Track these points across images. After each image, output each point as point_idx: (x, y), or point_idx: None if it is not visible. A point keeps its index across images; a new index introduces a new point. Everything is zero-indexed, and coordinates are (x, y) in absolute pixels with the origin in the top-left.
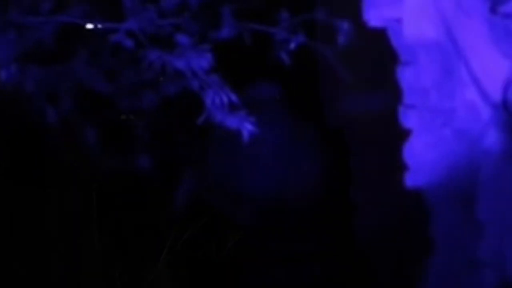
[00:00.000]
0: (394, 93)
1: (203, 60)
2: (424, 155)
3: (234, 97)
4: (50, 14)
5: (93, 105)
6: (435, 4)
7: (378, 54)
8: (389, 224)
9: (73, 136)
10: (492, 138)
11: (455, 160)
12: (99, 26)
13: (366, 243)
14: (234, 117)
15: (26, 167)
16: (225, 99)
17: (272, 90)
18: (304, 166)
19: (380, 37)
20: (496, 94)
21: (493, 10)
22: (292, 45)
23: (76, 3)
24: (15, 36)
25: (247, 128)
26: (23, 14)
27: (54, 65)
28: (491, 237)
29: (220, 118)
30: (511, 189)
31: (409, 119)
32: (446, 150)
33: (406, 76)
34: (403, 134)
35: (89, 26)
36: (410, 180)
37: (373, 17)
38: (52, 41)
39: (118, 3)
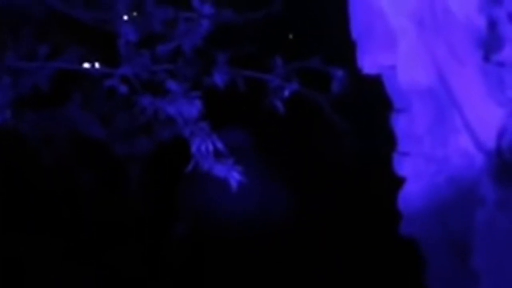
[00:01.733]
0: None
1: (193, 108)
2: (418, 203)
3: (220, 145)
4: (46, 59)
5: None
6: (429, 51)
7: (372, 101)
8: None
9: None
10: (485, 186)
11: (449, 208)
12: (94, 70)
13: None
14: (222, 165)
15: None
16: (210, 148)
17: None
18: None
19: (374, 83)
20: (489, 142)
21: (486, 58)
22: (286, 92)
23: (71, 48)
24: (11, 81)
25: (235, 177)
26: (20, 59)
27: (49, 109)
28: (485, 284)
29: (207, 166)
30: (506, 238)
31: (402, 166)
32: (440, 197)
33: (400, 123)
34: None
35: (84, 70)
36: (404, 228)
37: (367, 64)
38: (47, 85)
39: (113, 49)
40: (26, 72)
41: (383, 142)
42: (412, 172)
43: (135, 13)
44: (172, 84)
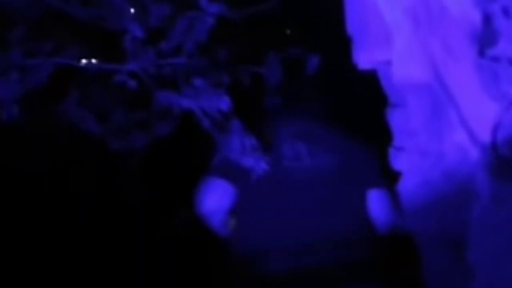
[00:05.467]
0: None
1: (222, 103)
2: (414, 198)
3: (254, 141)
4: (49, 55)
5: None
6: (424, 46)
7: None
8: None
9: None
10: (481, 181)
11: (444, 202)
12: (99, 66)
13: None
14: (249, 157)
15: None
16: (247, 143)
17: None
18: None
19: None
20: (485, 136)
21: (481, 53)
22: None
23: (72, 45)
24: (17, 77)
25: (262, 166)
26: (24, 56)
27: (49, 105)
28: (482, 280)
29: (235, 157)
30: (501, 232)
31: (398, 161)
32: (435, 192)
33: (395, 118)
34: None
35: (89, 67)
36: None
37: (363, 60)
38: (46, 82)
39: (112, 46)
40: (31, 68)
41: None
42: (407, 167)
43: (132, 10)
44: (198, 81)
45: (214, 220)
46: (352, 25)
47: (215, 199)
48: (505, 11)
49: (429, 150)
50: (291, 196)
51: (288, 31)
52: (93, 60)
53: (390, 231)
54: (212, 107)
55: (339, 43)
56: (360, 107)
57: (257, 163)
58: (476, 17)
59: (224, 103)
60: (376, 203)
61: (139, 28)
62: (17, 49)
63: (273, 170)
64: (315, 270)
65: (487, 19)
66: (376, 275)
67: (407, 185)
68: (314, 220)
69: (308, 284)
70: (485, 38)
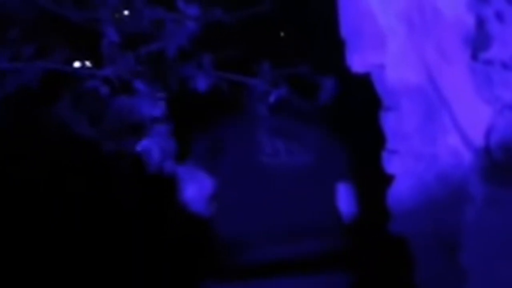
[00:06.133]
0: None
1: (156, 109)
2: (407, 201)
3: (173, 149)
4: (33, 59)
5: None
6: (418, 49)
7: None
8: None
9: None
10: (474, 184)
11: (438, 205)
12: (78, 70)
13: None
14: (184, 168)
15: None
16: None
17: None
18: None
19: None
20: (478, 139)
21: (474, 57)
22: (272, 98)
23: (59, 48)
24: None
25: (198, 178)
26: (6, 60)
27: (38, 109)
28: (475, 282)
29: (170, 169)
30: (494, 235)
31: (392, 164)
32: (429, 195)
33: (389, 121)
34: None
35: (69, 70)
36: (393, 225)
37: (356, 62)
38: (36, 85)
39: (98, 49)
40: (12, 72)
41: (372, 140)
42: (401, 170)
43: (126, 12)
44: (139, 84)
45: (195, 207)
46: (346, 28)
47: (196, 187)
48: (499, 15)
49: (422, 153)
50: (267, 189)
51: (282, 34)
52: (77, 64)
53: (354, 222)
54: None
55: (333, 46)
56: (353, 110)
57: (192, 175)
58: (469, 21)
59: (158, 109)
60: (343, 196)
61: (116, 33)
62: (0, 52)
63: (251, 164)
64: (288, 258)
65: (481, 23)
66: (347, 264)
67: (400, 188)
68: (287, 212)
69: (282, 272)
70: (478, 42)
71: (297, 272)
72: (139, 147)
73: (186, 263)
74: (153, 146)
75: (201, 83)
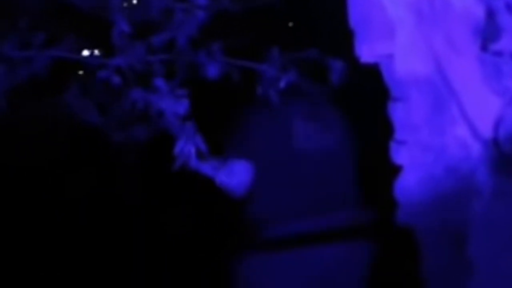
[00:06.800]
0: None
1: (180, 106)
2: (414, 192)
3: (203, 147)
4: (42, 47)
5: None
6: (427, 40)
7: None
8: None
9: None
10: (482, 175)
11: (445, 197)
12: (89, 60)
13: None
14: (207, 165)
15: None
16: (192, 150)
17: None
18: None
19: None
20: (486, 131)
21: (483, 47)
22: (282, 83)
23: (68, 37)
24: (5, 70)
25: (220, 176)
26: (16, 49)
27: (47, 97)
28: (481, 275)
29: (194, 165)
30: (502, 227)
31: (400, 155)
32: (436, 187)
33: (397, 112)
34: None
35: (79, 59)
36: (401, 217)
37: (365, 53)
38: (45, 74)
39: (107, 38)
40: (22, 61)
41: (381, 131)
42: (409, 161)
43: (135, 1)
44: (159, 81)
45: (234, 192)
46: (354, 18)
47: (234, 176)
48: (509, 7)
49: (431, 144)
50: (295, 170)
51: (290, 24)
52: (86, 52)
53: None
54: (171, 110)
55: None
56: (362, 101)
57: (215, 173)
58: (479, 12)
59: (182, 106)
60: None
61: (126, 22)
62: (7, 40)
63: (279, 148)
64: (311, 233)
65: (491, 14)
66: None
67: (408, 179)
68: (312, 190)
69: (309, 243)
70: (488, 33)
71: (323, 242)
72: (176, 150)
73: (221, 239)
74: (187, 146)
75: (212, 71)
